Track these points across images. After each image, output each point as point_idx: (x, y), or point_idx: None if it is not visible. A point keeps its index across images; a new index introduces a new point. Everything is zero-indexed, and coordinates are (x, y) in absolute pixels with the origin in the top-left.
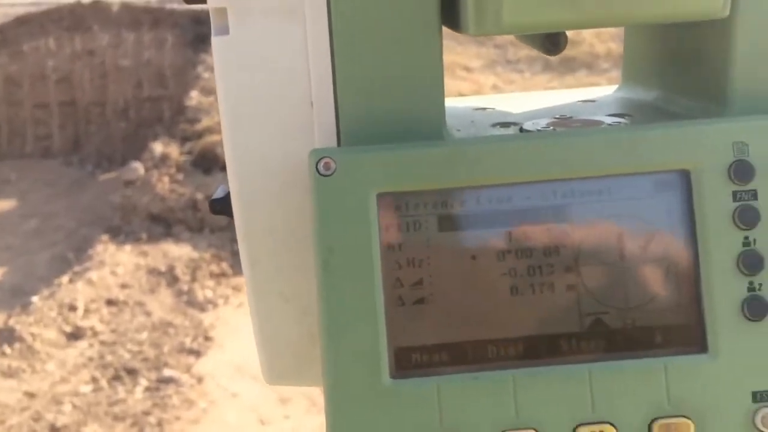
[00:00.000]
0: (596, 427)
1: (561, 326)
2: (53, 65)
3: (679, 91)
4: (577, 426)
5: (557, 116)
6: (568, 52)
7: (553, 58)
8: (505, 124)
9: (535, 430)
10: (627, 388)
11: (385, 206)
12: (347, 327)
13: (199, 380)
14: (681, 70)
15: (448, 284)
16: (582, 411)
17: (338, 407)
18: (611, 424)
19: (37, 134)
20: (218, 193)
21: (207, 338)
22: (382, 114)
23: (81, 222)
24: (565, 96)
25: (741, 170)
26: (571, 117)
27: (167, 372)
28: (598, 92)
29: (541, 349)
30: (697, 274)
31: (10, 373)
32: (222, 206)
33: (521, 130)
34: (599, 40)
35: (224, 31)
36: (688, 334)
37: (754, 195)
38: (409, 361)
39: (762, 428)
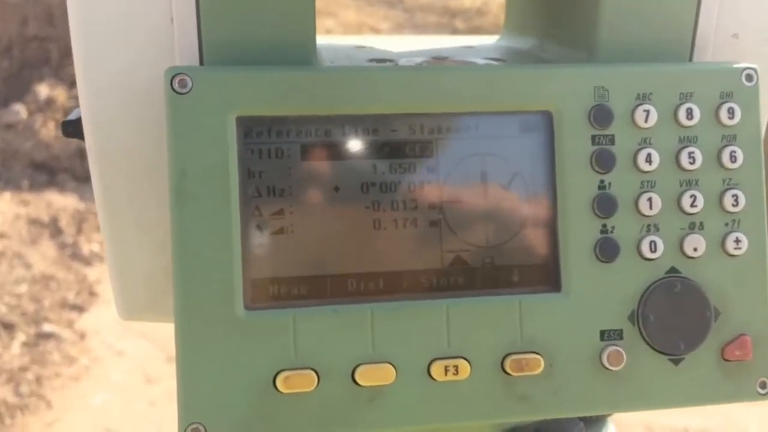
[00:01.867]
0: (451, 362)
1: (422, 262)
2: None
3: (552, 39)
4: (433, 360)
5: (434, 57)
6: (475, 21)
7: (460, 26)
8: (381, 60)
9: (390, 363)
10: (482, 325)
11: (245, 131)
12: (200, 255)
13: (82, 336)
14: (555, 19)
15: (310, 215)
16: (438, 346)
17: (189, 339)
18: (465, 359)
19: None
20: (73, 115)
21: (92, 293)
22: (248, 35)
23: None
24: (447, 41)
25: (600, 114)
26: (447, 58)
27: (47, 327)
28: (478, 40)
29: (401, 284)
30: (555, 216)
31: None
32: (75, 128)
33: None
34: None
35: None
36: (543, 274)
37: (612, 140)
38: (265, 293)
39: (607, 365)
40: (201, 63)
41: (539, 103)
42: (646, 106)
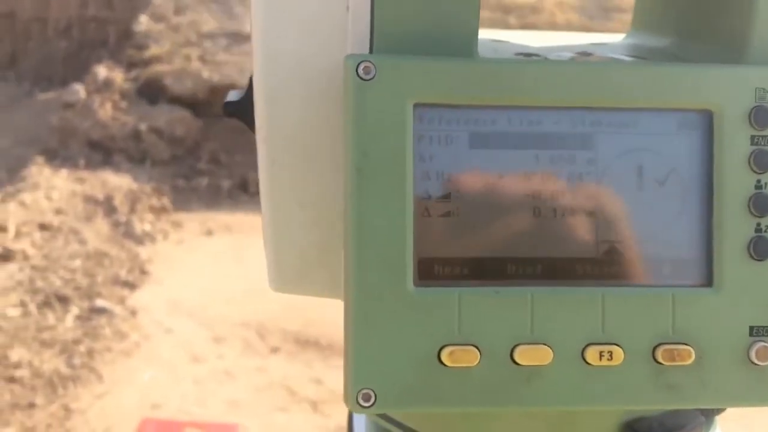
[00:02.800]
0: (605, 348)
1: (578, 251)
2: None
3: (694, 37)
4: (588, 345)
5: (578, 52)
6: (529, 18)
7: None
8: (528, 54)
9: (547, 345)
10: (636, 314)
11: (421, 117)
12: (375, 233)
13: (133, 313)
14: (697, 16)
15: (474, 200)
16: (593, 331)
17: (362, 311)
18: (619, 346)
19: None
20: (232, 96)
21: (143, 272)
22: (417, 25)
23: (15, 141)
24: (575, 38)
25: (760, 115)
26: (592, 54)
27: (100, 302)
28: (606, 38)
29: (558, 270)
30: (710, 212)
31: None
32: (235, 109)
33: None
34: (560, 10)
35: None
36: (695, 268)
37: None
38: (432, 272)
39: (755, 360)
40: (370, 51)
41: (700, 101)
42: None
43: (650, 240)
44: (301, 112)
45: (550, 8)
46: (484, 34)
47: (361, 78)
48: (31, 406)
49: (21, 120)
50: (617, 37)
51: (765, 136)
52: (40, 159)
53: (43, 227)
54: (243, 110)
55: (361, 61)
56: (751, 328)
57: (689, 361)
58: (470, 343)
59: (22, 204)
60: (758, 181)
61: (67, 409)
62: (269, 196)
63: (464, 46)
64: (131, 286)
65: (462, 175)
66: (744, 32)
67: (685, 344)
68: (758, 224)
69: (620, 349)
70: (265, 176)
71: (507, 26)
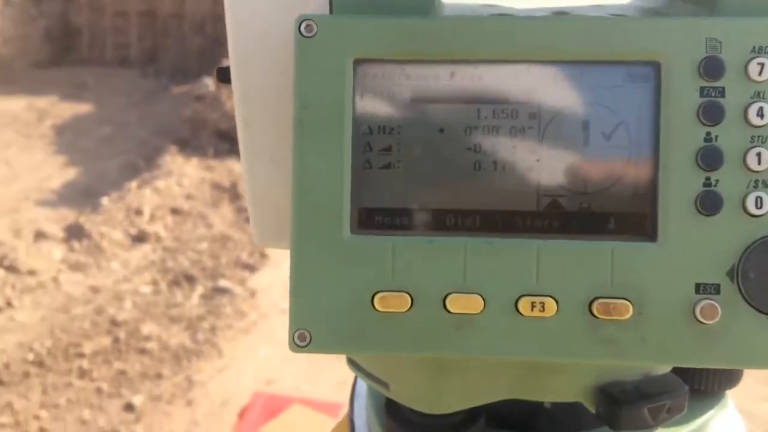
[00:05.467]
0: (538, 299)
1: (518, 204)
2: None
3: None
4: (521, 296)
5: (554, 12)
6: None
7: None
8: (502, 15)
9: (479, 294)
10: (572, 267)
11: (361, 72)
12: (315, 182)
13: (252, 294)
14: None
15: (415, 154)
16: (527, 283)
17: (301, 256)
18: (553, 298)
19: (116, 43)
20: (225, 64)
21: (263, 255)
22: None
23: (152, 132)
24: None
25: (711, 66)
26: (567, 13)
27: (223, 282)
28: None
29: (496, 223)
30: (656, 166)
31: (78, 267)
32: (225, 75)
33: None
34: None
35: None
36: (640, 223)
37: (722, 92)
38: (370, 221)
39: (701, 319)
40: (330, 11)
41: (647, 53)
42: (762, 59)
43: (593, 194)
44: (269, 74)
45: None
46: None
47: (303, 35)
48: (159, 376)
49: (158, 112)
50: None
51: (716, 87)
52: (173, 148)
53: (175, 212)
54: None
55: (304, 20)
56: (698, 285)
57: (626, 316)
58: (403, 290)
59: (156, 190)
60: (708, 133)
61: (190, 381)
62: (246, 156)
63: (421, 5)
64: (251, 268)
65: (403, 129)
66: None
67: (624, 299)
68: (707, 178)
69: (553, 301)
70: (242, 137)
71: None
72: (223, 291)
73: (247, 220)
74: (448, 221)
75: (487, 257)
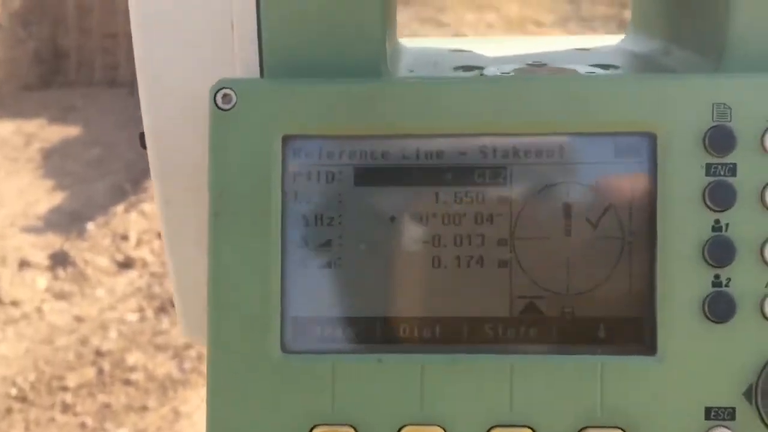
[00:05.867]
0: (513, 431)
1: (487, 309)
2: None
3: (679, 42)
4: (492, 428)
5: (530, 62)
6: None
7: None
8: (468, 68)
9: (441, 427)
10: (553, 389)
11: (292, 151)
12: (236, 286)
13: None
14: (684, 18)
15: (360, 249)
16: (499, 411)
17: (220, 377)
18: (531, 429)
19: (105, 63)
20: None
21: None
22: (310, 44)
23: (141, 153)
24: (563, 42)
25: (719, 138)
26: (545, 64)
27: None
28: (600, 41)
29: (460, 334)
30: (653, 261)
31: (62, 296)
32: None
33: (481, 75)
34: None
35: None
36: (635, 332)
37: (732, 170)
38: (304, 335)
39: None
40: (261, 74)
41: (640, 122)
42: None
43: (578, 295)
44: (187, 144)
45: None
46: (452, 44)
47: (220, 108)
48: (144, 408)
49: None
50: (613, 39)
51: (725, 164)
52: None
53: (161, 236)
54: None
55: (221, 88)
56: (708, 409)
57: None
58: (346, 423)
59: (143, 213)
60: (716, 221)
61: (176, 412)
62: (168, 238)
63: (369, 66)
64: None
65: (345, 218)
66: (720, 37)
67: (618, 428)
68: (717, 276)
69: None
70: (162, 216)
71: (621, 22)
72: None
73: None
74: (402, 333)
75: (449, 379)
